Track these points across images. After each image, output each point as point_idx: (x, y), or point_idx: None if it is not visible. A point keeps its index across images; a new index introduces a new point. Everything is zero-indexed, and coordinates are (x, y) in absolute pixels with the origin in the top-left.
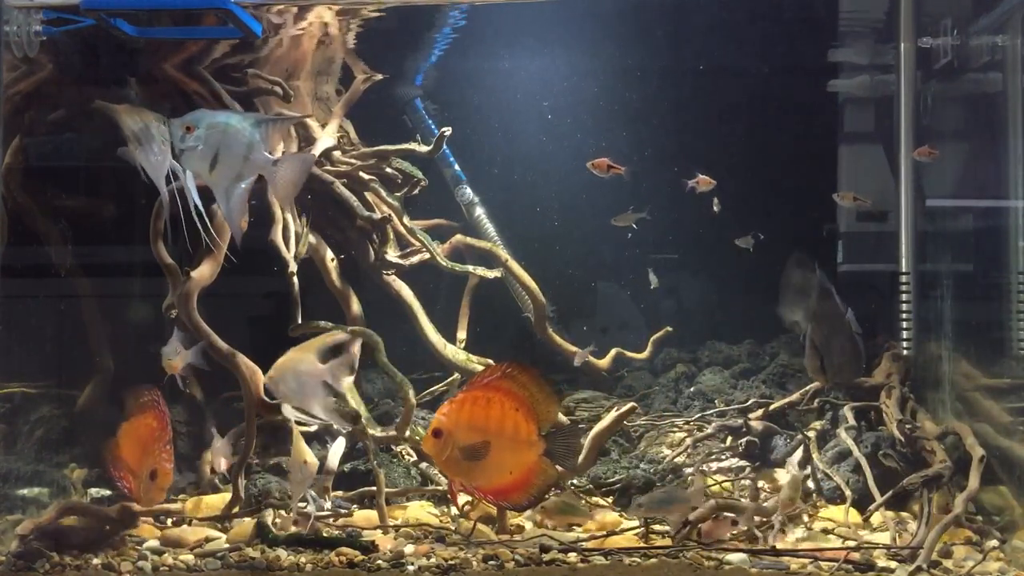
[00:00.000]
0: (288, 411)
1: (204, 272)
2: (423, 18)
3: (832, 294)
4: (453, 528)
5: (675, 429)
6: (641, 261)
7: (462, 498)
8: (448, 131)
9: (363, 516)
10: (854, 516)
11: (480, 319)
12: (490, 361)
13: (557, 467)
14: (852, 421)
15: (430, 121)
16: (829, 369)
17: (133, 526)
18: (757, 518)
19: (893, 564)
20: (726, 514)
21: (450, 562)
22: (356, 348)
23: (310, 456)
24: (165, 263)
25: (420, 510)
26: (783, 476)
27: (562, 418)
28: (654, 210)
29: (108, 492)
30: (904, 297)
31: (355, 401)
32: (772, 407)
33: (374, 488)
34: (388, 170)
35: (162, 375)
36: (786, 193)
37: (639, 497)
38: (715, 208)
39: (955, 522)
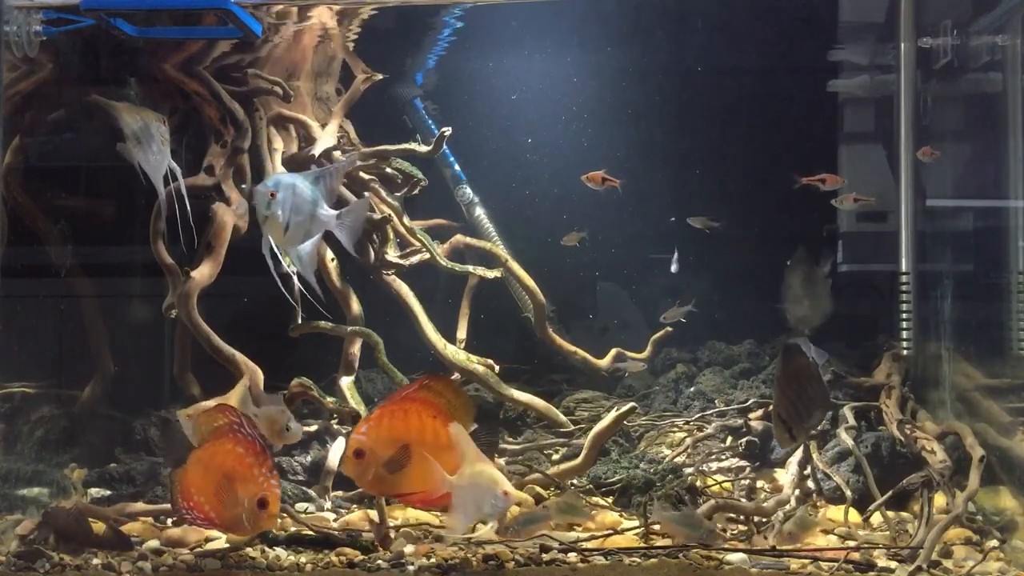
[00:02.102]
0: (456, 428)
1: (204, 272)
2: (423, 18)
3: (798, 351)
4: None
5: (675, 429)
6: (640, 262)
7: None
8: (448, 131)
9: (363, 516)
10: (854, 516)
11: (479, 319)
12: (490, 361)
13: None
14: (852, 421)
15: (430, 121)
16: (801, 434)
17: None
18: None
19: (893, 564)
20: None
21: (450, 562)
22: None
23: (508, 485)
24: (165, 263)
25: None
26: (784, 477)
27: (559, 415)
28: (641, 215)
29: (108, 492)
30: (904, 297)
31: (355, 401)
32: (772, 407)
33: None
34: (388, 170)
35: None
36: (786, 193)
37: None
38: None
39: (955, 522)
